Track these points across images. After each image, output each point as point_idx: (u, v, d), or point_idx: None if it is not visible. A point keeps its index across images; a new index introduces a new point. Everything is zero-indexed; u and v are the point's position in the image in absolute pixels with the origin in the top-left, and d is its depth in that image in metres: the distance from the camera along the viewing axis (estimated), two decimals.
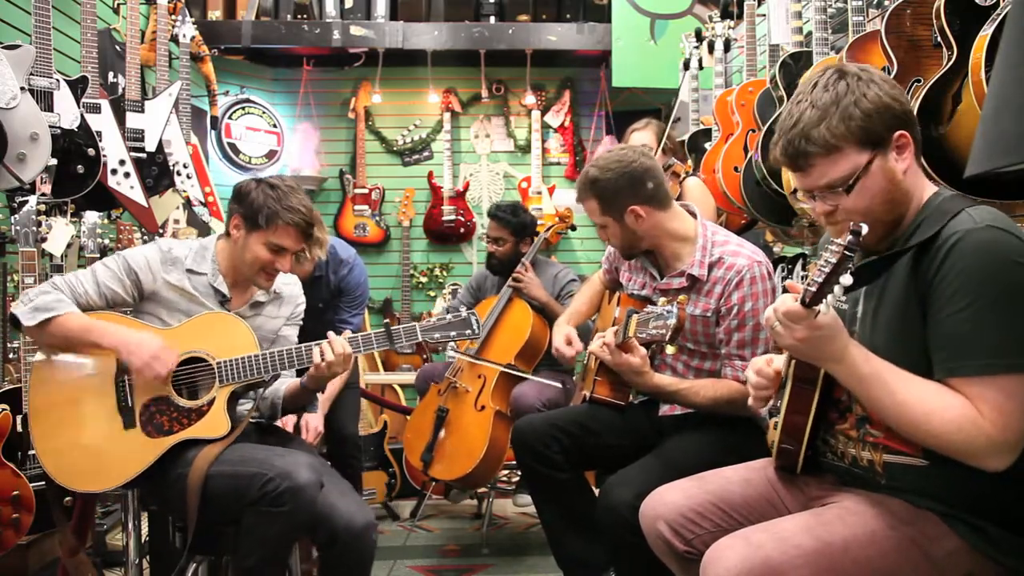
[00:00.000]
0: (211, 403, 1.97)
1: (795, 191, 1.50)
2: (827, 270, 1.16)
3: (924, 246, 1.27)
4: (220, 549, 1.96)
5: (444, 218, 4.96)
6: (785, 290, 1.30)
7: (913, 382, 1.23)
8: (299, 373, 2.20)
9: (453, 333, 2.00)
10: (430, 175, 5.03)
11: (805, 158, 1.33)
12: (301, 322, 2.29)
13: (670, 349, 1.78)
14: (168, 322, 2.03)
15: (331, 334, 1.98)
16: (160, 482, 1.93)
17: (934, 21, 1.71)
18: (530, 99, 4.96)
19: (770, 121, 2.51)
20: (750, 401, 1.54)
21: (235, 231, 2.05)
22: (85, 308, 1.98)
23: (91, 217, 2.65)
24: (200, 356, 2.00)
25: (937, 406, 1.19)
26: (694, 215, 2.14)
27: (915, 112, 1.66)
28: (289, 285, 2.24)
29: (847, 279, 1.15)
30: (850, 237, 1.15)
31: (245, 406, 2.12)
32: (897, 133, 1.31)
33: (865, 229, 1.16)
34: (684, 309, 1.77)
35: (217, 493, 1.87)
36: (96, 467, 1.91)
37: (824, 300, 1.18)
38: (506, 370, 2.98)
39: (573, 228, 4.08)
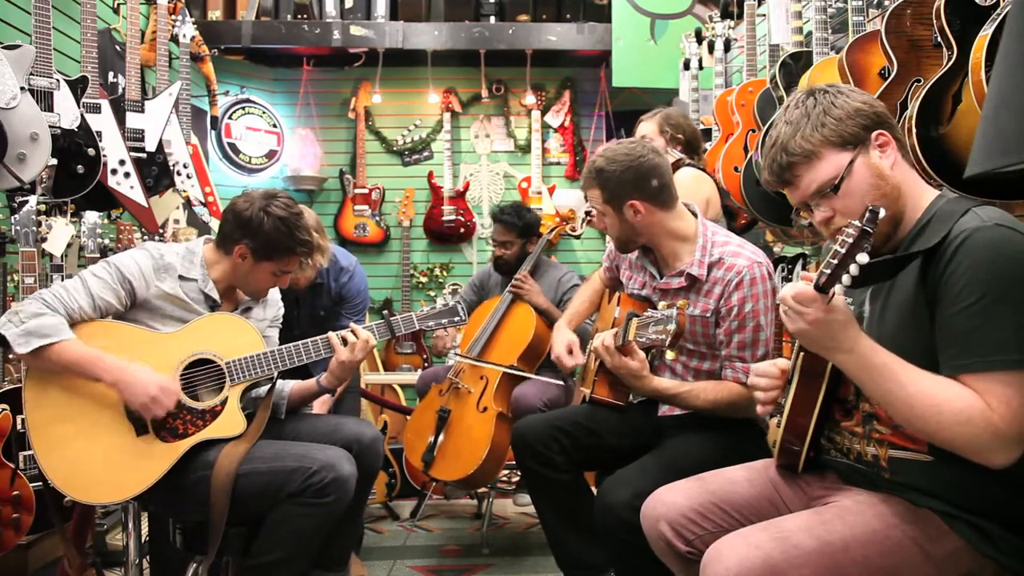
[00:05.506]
0: (224, 403, 1.98)
1: (796, 211, 1.52)
2: (843, 250, 1.16)
3: (932, 246, 1.27)
4: (222, 549, 1.95)
5: (444, 218, 4.96)
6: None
7: (923, 375, 1.23)
8: (296, 374, 2.21)
9: (444, 320, 2.19)
10: (430, 175, 5.04)
11: (789, 170, 1.40)
12: (281, 324, 2.33)
13: (669, 355, 1.78)
14: (156, 328, 2.00)
15: (352, 325, 2.09)
16: (174, 488, 1.91)
17: (934, 21, 1.71)
18: (530, 99, 4.96)
19: (768, 124, 2.50)
20: (758, 409, 1.53)
21: (240, 260, 2.05)
22: (78, 323, 1.92)
23: (91, 217, 2.64)
24: (208, 357, 2.01)
25: (946, 398, 1.19)
26: (695, 214, 2.14)
27: (916, 112, 1.67)
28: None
29: (863, 257, 1.15)
30: (868, 215, 1.16)
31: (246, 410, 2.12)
32: (876, 132, 1.36)
33: (883, 212, 1.18)
34: (684, 314, 1.77)
35: (248, 492, 1.87)
36: (111, 477, 1.87)
37: (839, 282, 1.18)
38: (508, 371, 2.97)
39: (577, 238, 4.06)
